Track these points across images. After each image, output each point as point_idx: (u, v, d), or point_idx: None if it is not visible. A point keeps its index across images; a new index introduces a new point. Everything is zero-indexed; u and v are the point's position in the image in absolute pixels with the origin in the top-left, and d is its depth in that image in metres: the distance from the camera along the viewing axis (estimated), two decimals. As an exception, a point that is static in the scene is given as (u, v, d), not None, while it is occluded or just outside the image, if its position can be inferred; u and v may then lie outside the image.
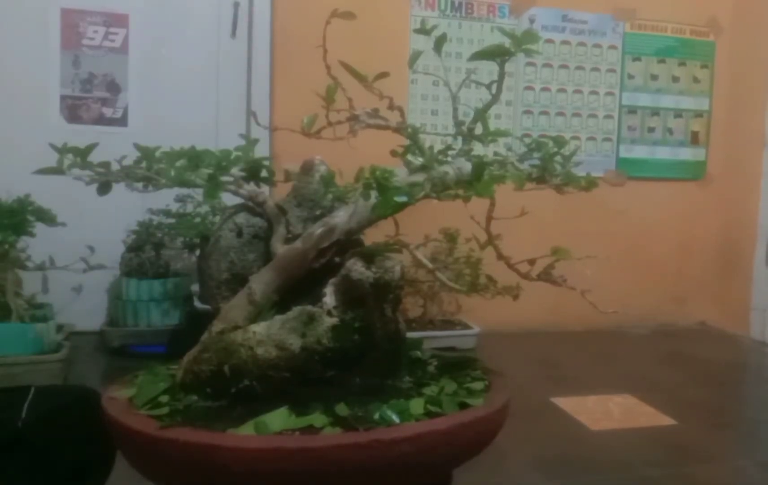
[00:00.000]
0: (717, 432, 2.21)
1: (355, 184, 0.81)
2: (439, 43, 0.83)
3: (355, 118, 0.83)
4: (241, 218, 0.79)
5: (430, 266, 0.90)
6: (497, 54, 0.79)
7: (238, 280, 0.74)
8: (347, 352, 0.70)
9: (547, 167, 0.83)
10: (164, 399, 0.70)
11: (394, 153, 0.90)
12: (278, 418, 0.67)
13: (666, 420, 2.25)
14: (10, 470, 0.78)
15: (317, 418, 0.68)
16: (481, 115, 0.84)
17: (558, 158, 0.83)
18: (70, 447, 0.83)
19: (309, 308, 0.70)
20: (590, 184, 0.81)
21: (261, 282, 0.71)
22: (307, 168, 0.87)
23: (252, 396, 0.67)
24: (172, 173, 0.71)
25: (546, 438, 2.11)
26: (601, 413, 2.32)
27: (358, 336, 0.71)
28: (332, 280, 0.74)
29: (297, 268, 0.74)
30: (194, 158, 0.70)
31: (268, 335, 0.67)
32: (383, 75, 0.82)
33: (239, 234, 0.76)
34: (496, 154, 0.89)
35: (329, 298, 0.72)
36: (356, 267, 0.75)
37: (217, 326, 0.69)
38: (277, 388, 0.68)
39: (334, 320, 0.70)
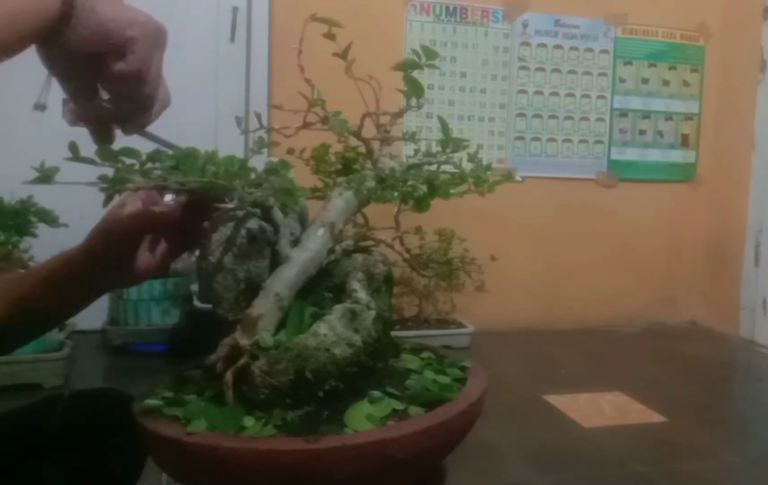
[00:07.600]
0: (707, 429, 2.26)
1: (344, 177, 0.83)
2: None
3: (325, 120, 0.84)
4: (252, 225, 0.79)
5: (406, 256, 0.91)
6: (410, 67, 0.83)
7: (252, 288, 0.74)
8: (381, 341, 0.74)
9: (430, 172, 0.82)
10: (249, 421, 0.66)
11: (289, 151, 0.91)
12: (372, 409, 0.69)
13: (657, 417, 2.30)
14: (41, 477, 0.80)
15: (393, 403, 0.70)
16: (394, 119, 0.87)
17: (453, 159, 0.84)
18: (102, 454, 0.84)
19: (349, 305, 0.72)
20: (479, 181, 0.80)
21: (286, 288, 0.72)
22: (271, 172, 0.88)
23: (332, 396, 0.69)
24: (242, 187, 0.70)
25: (539, 435, 2.15)
26: (593, 410, 2.36)
27: (382, 325, 0.75)
28: (357, 275, 0.77)
29: (314, 268, 0.76)
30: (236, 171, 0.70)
31: (338, 335, 0.69)
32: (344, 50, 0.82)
33: (253, 241, 0.76)
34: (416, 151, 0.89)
35: (362, 293, 0.75)
36: (378, 262, 0.79)
37: (249, 339, 0.68)
38: (351, 385, 0.70)
39: (373, 313, 0.73)
